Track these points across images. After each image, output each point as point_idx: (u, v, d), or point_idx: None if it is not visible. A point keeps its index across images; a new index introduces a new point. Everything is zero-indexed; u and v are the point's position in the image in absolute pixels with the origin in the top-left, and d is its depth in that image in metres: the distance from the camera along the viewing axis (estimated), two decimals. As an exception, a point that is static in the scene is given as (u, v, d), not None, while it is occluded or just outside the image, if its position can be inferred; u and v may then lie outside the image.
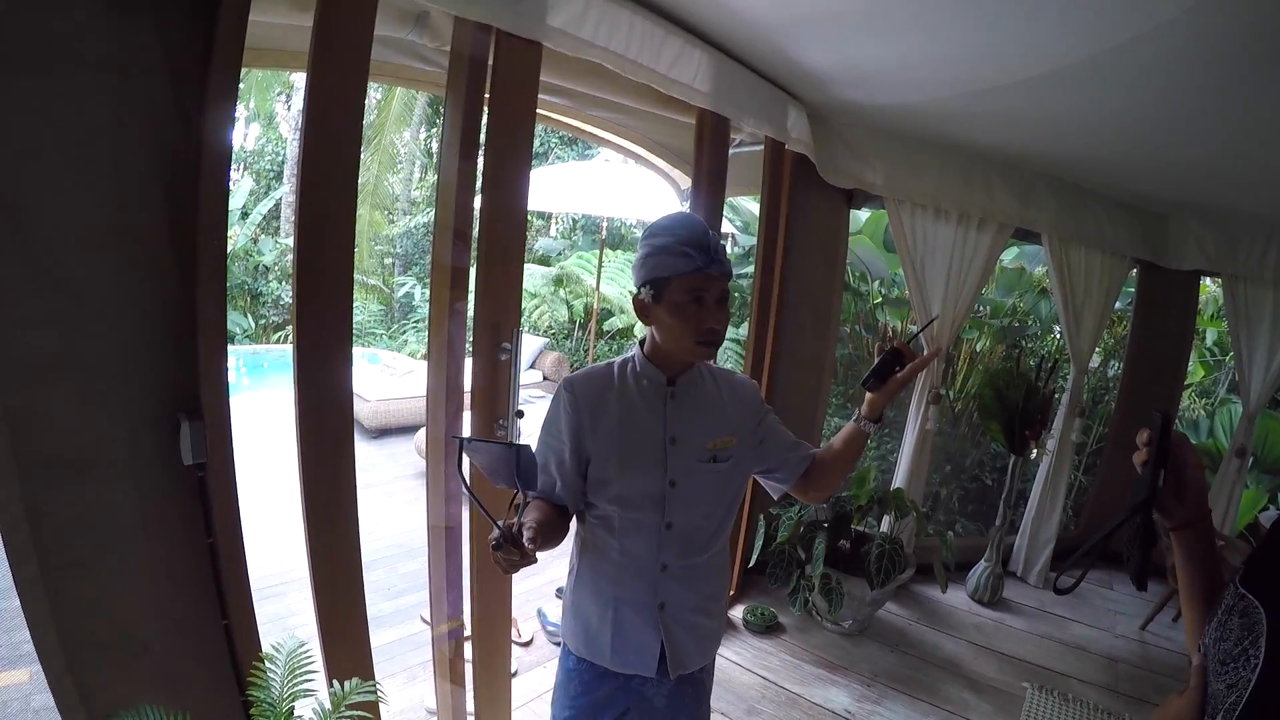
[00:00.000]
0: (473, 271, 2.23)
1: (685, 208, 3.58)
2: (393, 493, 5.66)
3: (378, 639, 3.44)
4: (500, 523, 1.32)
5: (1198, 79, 2.33)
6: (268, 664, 1.73)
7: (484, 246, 2.18)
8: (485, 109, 2.15)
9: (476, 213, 2.23)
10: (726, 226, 7.41)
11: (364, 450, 6.73)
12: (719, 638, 1.85)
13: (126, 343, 1.60)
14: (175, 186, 1.61)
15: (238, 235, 10.87)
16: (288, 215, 12.35)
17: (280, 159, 13.37)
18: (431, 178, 13.24)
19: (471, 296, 2.25)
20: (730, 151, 3.23)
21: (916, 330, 1.65)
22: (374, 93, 11.54)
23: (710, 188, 3.08)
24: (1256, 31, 1.95)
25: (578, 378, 1.66)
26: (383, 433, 7.08)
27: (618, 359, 1.70)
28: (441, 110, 2.32)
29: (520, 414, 2.04)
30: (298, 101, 12.58)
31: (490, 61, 2.09)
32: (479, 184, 2.20)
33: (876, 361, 1.66)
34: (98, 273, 1.54)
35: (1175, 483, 1.05)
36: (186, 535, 1.76)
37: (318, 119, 1.78)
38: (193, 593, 1.79)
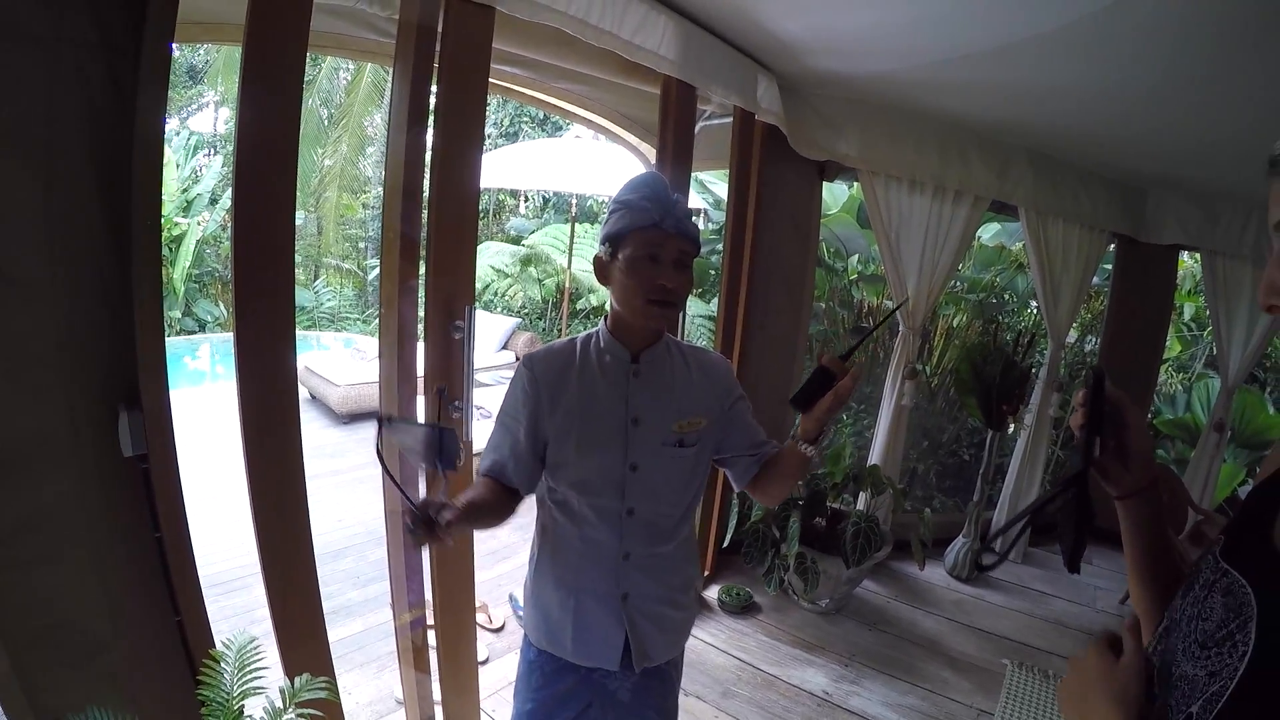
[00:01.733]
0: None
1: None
2: (363, 479, 5.55)
3: (347, 629, 3.42)
4: (412, 499, 1.28)
5: (1172, 51, 2.30)
6: (219, 662, 1.66)
7: (435, 221, 2.09)
8: (435, 79, 2.06)
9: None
10: (697, 202, 7.32)
11: (334, 436, 6.64)
12: (688, 629, 1.79)
13: (61, 329, 1.51)
14: (109, 163, 1.52)
15: (207, 221, 10.66)
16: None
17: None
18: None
19: (423, 274, 2.18)
20: (699, 124, 3.14)
21: (860, 337, 1.47)
22: (343, 73, 11.34)
23: (676, 159, 3.00)
24: (1228, 5, 1.93)
25: (538, 355, 1.60)
26: (353, 418, 6.96)
27: (581, 334, 1.63)
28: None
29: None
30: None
31: (440, 26, 2.00)
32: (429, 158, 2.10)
33: (804, 379, 1.51)
34: (30, 255, 1.45)
35: (1117, 447, 0.99)
36: (133, 530, 1.68)
37: (255, 92, 1.69)
38: (143, 590, 1.72)
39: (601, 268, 1.53)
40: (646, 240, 1.45)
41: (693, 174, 3.38)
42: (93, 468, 1.59)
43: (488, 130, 12.55)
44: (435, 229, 2.09)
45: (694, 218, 8.03)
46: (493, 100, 12.53)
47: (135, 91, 1.52)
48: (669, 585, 1.67)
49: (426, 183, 2.12)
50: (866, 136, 3.72)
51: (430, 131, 2.11)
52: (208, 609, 1.84)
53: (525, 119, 12.57)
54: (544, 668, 1.71)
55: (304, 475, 1.93)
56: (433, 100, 2.10)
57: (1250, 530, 0.85)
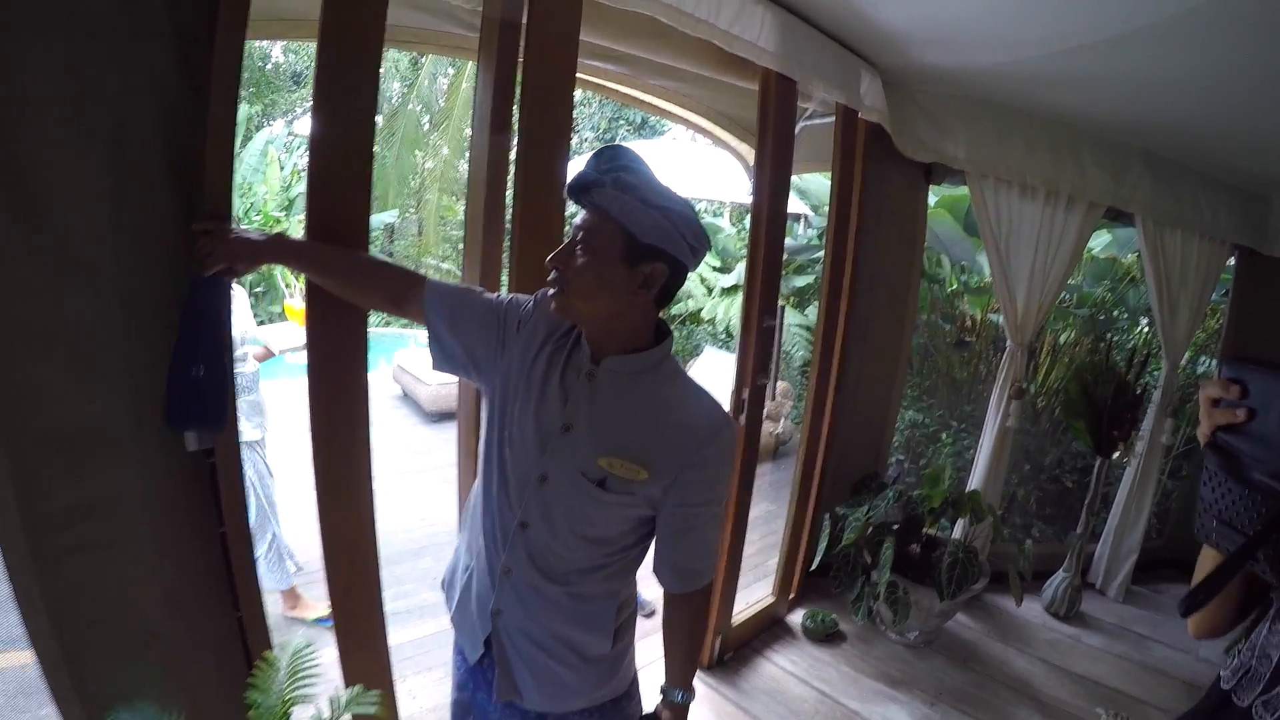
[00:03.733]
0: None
1: (750, 183, 3.37)
2: (449, 478, 5.53)
3: (419, 630, 3.40)
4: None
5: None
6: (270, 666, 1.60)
7: (519, 228, 1.98)
8: (520, 73, 1.97)
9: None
10: (798, 207, 7.08)
11: (423, 434, 6.73)
12: (585, 694, 1.49)
13: (129, 318, 1.49)
14: (180, 154, 1.50)
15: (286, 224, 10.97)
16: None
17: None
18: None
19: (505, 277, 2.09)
20: (799, 124, 3.00)
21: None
22: (442, 79, 11.54)
23: (776, 158, 2.86)
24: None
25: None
26: (442, 417, 7.01)
27: None
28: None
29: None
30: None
31: (525, 19, 1.91)
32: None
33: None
34: (98, 244, 1.44)
35: None
36: (195, 523, 1.66)
37: (328, 90, 1.64)
38: (203, 584, 1.70)
39: None
40: None
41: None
42: (157, 458, 1.58)
43: (585, 135, 12.60)
44: (519, 235, 1.99)
45: (794, 222, 7.82)
46: (591, 103, 12.57)
47: (208, 80, 1.49)
48: (547, 631, 1.42)
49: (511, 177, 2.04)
50: (974, 136, 3.51)
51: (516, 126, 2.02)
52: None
53: (622, 122, 12.57)
54: (458, 666, 1.61)
55: (371, 477, 1.88)
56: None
57: None
